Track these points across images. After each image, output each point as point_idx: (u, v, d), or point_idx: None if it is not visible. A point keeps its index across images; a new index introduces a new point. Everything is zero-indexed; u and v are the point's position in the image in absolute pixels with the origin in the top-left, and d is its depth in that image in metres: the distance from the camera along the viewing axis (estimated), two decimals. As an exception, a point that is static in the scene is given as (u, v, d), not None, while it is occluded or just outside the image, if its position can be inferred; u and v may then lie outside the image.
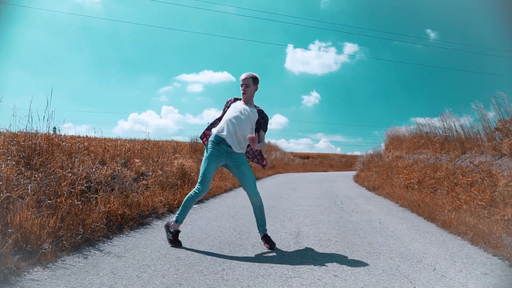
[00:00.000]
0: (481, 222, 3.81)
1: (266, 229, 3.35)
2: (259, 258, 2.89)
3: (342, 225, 4.26)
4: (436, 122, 9.78)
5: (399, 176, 8.43)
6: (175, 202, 5.11)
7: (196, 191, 3.18)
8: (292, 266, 2.66)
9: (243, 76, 3.37)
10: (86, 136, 6.19)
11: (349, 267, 2.64)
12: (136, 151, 6.24)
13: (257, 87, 3.43)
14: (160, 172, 5.61)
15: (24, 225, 2.62)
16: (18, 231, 2.55)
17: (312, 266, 2.68)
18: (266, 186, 9.48)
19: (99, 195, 3.74)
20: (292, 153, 27.15)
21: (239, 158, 3.27)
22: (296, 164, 23.04)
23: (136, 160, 5.47)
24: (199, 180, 3.21)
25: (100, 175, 4.20)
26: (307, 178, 13.98)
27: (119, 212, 3.75)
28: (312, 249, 3.19)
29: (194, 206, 5.51)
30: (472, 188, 4.75)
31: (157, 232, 3.76)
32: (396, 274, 2.50)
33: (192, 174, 6.77)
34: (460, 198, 4.88)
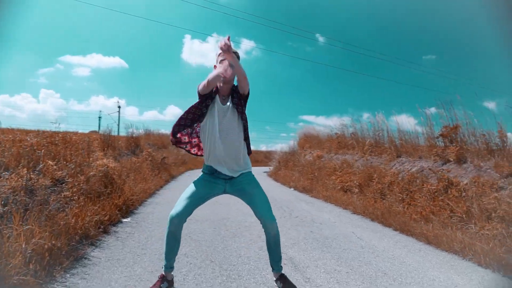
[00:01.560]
0: (470, 237, 3.63)
1: (281, 267, 2.47)
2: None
3: (326, 245, 3.67)
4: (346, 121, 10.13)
5: (331, 177, 8.30)
6: (106, 218, 3.93)
7: (169, 218, 2.30)
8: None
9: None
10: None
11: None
12: (41, 147, 4.69)
13: None
14: (82, 178, 4.27)
15: None
16: None
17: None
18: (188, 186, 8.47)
19: (14, 225, 2.44)
20: (196, 147, 26.05)
21: (241, 179, 2.39)
22: (202, 159, 22.04)
23: (50, 162, 4.05)
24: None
25: (6, 190, 2.84)
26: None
27: (46, 246, 2.52)
28: (334, 290, 2.50)
29: (126, 220, 4.41)
30: (441, 197, 4.62)
31: (103, 270, 2.65)
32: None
33: (114, 177, 5.44)
34: (424, 207, 4.73)
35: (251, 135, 2.60)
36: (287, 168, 12.73)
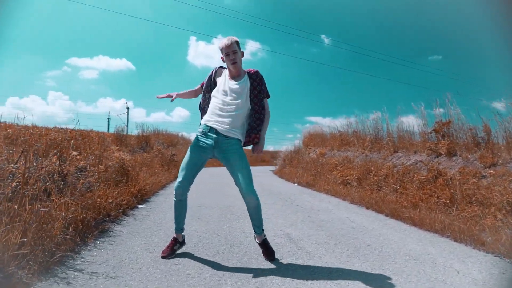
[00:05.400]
0: (451, 219, 4.03)
1: (263, 231, 2.83)
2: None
3: (321, 226, 4.09)
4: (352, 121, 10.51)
5: (333, 172, 8.71)
6: (124, 203, 4.40)
7: (174, 189, 2.74)
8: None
9: (225, 42, 2.66)
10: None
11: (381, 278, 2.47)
12: (65, 141, 5.20)
13: (243, 52, 2.81)
14: (103, 167, 4.76)
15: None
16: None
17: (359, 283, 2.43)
18: (196, 182, 8.95)
19: (55, 198, 2.93)
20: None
21: (228, 146, 2.65)
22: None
23: (74, 152, 4.54)
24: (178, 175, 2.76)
25: (43, 172, 3.33)
26: (226, 173, 13.68)
27: (79, 217, 3.01)
28: (329, 259, 2.93)
29: (141, 206, 4.87)
30: (429, 186, 5.03)
31: (126, 239, 3.13)
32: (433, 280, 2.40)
33: (129, 169, 5.95)
34: (414, 195, 5.13)
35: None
36: (291, 165, 13.15)
